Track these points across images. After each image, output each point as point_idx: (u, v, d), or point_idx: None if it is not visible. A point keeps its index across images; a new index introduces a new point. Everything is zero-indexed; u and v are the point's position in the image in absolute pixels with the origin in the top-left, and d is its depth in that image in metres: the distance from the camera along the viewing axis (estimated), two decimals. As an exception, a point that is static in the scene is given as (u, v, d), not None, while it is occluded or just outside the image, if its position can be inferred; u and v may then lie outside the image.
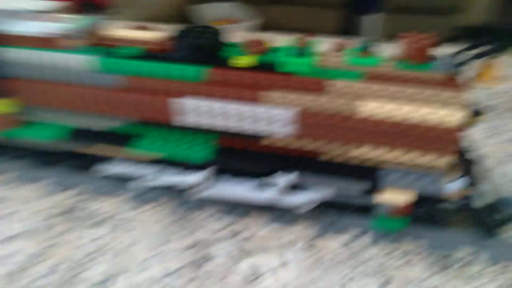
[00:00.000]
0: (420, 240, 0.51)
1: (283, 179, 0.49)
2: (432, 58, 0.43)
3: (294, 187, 0.51)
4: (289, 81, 0.44)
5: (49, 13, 0.54)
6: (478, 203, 0.48)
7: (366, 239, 0.52)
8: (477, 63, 0.43)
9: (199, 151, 0.50)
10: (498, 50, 0.41)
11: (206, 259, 0.51)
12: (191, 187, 0.52)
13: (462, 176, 0.45)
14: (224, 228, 0.55)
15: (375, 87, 0.42)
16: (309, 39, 0.47)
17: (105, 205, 0.58)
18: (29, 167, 0.62)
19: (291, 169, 0.48)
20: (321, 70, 0.44)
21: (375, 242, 0.51)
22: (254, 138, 0.48)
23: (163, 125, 0.50)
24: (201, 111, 0.47)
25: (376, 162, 0.47)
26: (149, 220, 0.56)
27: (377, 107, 0.43)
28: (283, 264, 0.50)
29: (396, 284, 0.47)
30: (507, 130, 0.72)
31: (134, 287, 0.48)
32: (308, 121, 0.45)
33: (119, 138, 0.52)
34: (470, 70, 0.43)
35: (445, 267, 0.48)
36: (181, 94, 0.47)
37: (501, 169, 0.63)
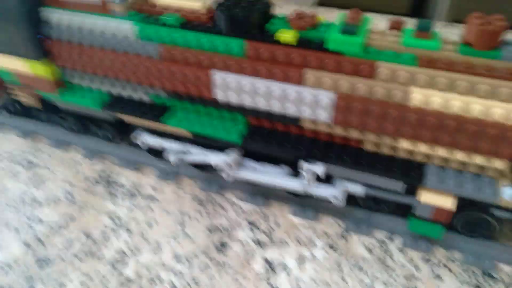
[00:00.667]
0: (455, 252, 0.46)
1: (318, 167, 0.44)
2: (503, 44, 0.37)
3: (329, 177, 0.46)
4: (336, 61, 0.38)
5: None
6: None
7: (394, 244, 0.47)
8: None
9: (235, 130, 0.47)
10: None
11: (221, 248, 0.47)
12: (224, 166, 0.48)
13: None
14: (243, 217, 0.51)
15: (431, 73, 0.37)
16: (363, 15, 0.41)
17: (128, 181, 0.56)
18: (62, 134, 0.62)
19: (329, 157, 0.43)
20: (372, 50, 0.38)
21: (404, 248, 0.46)
22: (293, 120, 0.44)
23: (198, 101, 0.48)
24: (240, 87, 0.43)
25: (425, 157, 0.41)
26: (169, 201, 0.53)
27: (432, 95, 0.37)
28: (300, 263, 0.45)
29: (421, 300, 0.42)
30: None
31: (144, 270, 0.45)
32: (354, 106, 0.39)
33: (155, 110, 0.50)
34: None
35: (478, 287, 0.42)
36: (218, 67, 0.43)
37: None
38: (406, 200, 0.44)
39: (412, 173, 0.42)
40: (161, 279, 0.44)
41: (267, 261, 0.45)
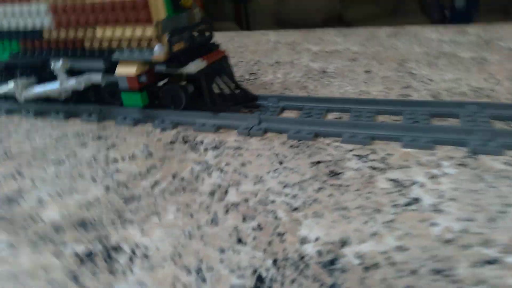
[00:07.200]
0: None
1: (57, 65, 0.59)
2: None
3: (72, 73, 0.60)
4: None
5: None
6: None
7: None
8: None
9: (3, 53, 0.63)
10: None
11: (333, 175, 0.45)
12: (15, 90, 0.62)
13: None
14: (347, 153, 0.48)
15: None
16: None
17: (208, 139, 0.55)
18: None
19: (65, 57, 0.59)
20: None
21: None
22: (36, 34, 0.60)
23: None
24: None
25: (111, 44, 0.57)
26: (258, 148, 0.52)
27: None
28: (432, 179, 0.42)
29: None
30: None
31: (248, 195, 0.43)
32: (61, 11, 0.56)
33: None
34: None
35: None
36: None
37: None
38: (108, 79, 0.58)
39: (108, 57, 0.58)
40: (272, 200, 0.40)
41: (392, 180, 0.43)
